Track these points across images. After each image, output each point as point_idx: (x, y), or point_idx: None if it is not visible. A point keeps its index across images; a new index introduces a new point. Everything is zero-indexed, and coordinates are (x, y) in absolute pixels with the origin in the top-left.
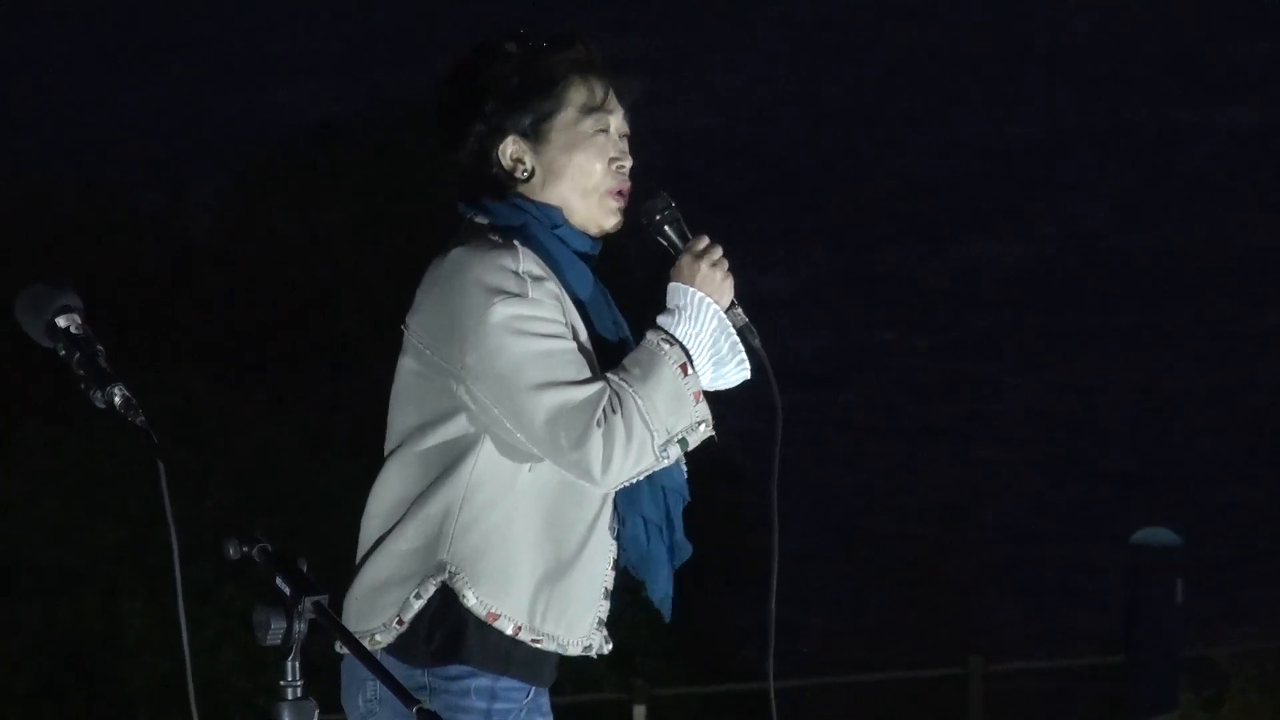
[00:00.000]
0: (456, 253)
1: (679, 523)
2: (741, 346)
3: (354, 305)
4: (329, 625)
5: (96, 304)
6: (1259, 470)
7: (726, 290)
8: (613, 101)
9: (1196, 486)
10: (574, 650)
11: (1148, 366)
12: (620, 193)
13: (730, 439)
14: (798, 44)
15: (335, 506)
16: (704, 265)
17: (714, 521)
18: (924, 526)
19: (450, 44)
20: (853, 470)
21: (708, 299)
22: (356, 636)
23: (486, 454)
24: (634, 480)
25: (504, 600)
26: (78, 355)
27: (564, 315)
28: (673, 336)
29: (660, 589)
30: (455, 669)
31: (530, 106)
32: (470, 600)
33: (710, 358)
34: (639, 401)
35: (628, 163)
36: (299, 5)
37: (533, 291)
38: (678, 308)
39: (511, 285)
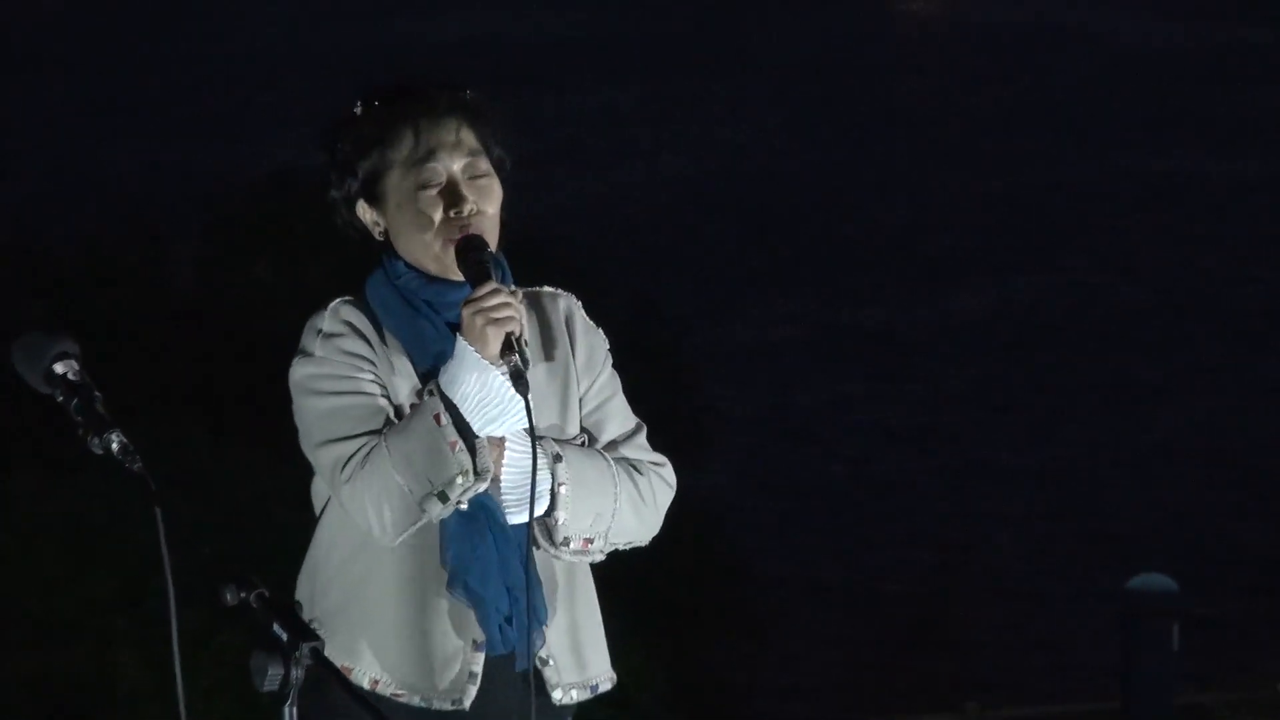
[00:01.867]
0: None
1: (500, 584)
2: (500, 393)
3: None
4: (326, 671)
5: (89, 353)
6: (1255, 519)
7: (490, 338)
8: (444, 148)
9: (1192, 535)
10: (441, 704)
11: (1139, 417)
12: (465, 238)
13: (723, 491)
14: (787, 94)
15: None
16: (466, 313)
17: (707, 573)
18: (918, 574)
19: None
20: (842, 520)
21: (469, 348)
22: None
23: (339, 514)
24: (406, 534)
25: (356, 654)
26: (75, 401)
27: (362, 369)
28: (436, 386)
29: (493, 648)
30: None
31: (360, 170)
32: (325, 653)
33: (470, 405)
34: (389, 454)
35: (466, 207)
36: (277, 59)
37: (320, 349)
38: (452, 356)
39: (307, 344)
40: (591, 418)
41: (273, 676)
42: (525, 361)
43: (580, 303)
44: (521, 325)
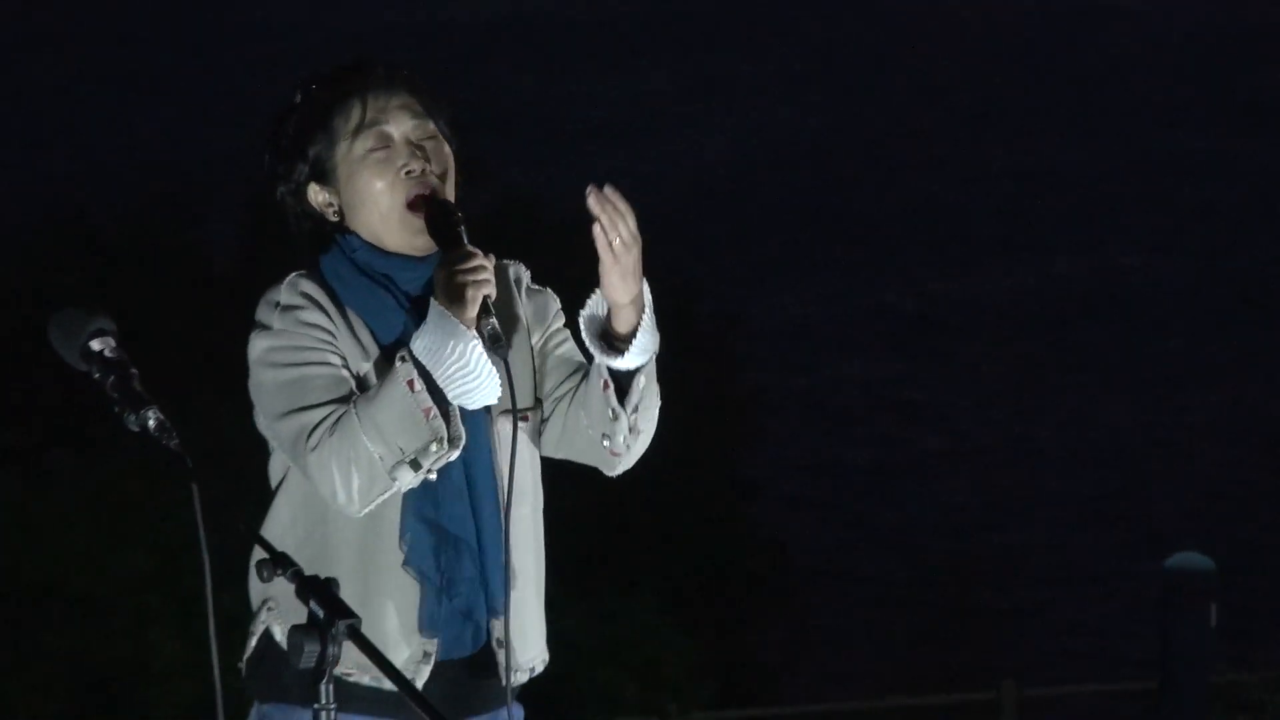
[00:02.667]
0: None
1: (448, 564)
2: (477, 358)
3: None
4: (363, 649)
5: (127, 329)
6: None
7: (468, 300)
8: (389, 112)
9: (1231, 513)
10: (392, 684)
11: (1177, 398)
12: (421, 198)
13: (761, 472)
14: (822, 74)
15: None
16: (442, 277)
17: (744, 553)
18: (957, 552)
19: (467, 72)
20: (878, 501)
21: (446, 311)
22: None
23: (297, 489)
24: (374, 504)
25: None
26: (112, 378)
27: (323, 340)
28: (409, 352)
29: (433, 629)
30: (287, 708)
31: (308, 153)
32: (278, 635)
33: (447, 371)
34: (360, 421)
35: (417, 165)
36: (319, 36)
37: (279, 322)
38: (425, 322)
39: (265, 318)
40: (553, 356)
41: (309, 654)
42: (499, 325)
43: (528, 270)
44: (494, 289)
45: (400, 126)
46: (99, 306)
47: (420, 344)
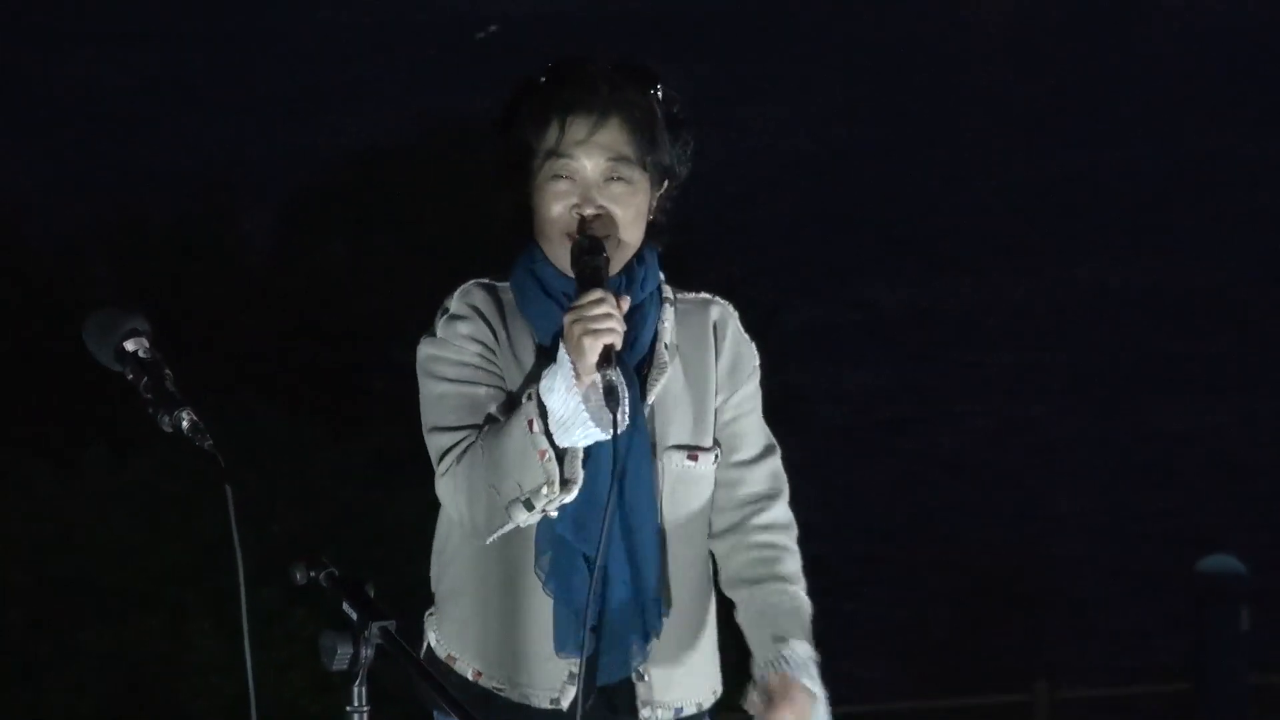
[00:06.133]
0: None
1: (582, 587)
2: (575, 409)
3: (416, 330)
4: (395, 651)
5: (163, 327)
6: None
7: (586, 349)
8: (582, 143)
9: (1263, 516)
10: (540, 702)
11: (1211, 399)
12: (585, 238)
13: (794, 471)
14: (855, 74)
15: (404, 534)
16: (566, 321)
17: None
18: (988, 554)
19: (496, 72)
20: (915, 500)
21: (566, 356)
22: None
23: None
24: (497, 535)
25: (459, 643)
26: (146, 379)
27: (479, 356)
28: (536, 391)
29: (568, 650)
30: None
31: (511, 145)
32: (432, 640)
33: (556, 419)
34: (483, 454)
35: (588, 209)
36: (348, 35)
37: (442, 331)
38: (554, 362)
39: (435, 323)
40: (727, 430)
41: (341, 656)
42: (620, 377)
43: (736, 313)
44: (620, 338)
45: (591, 162)
46: (134, 306)
47: (544, 384)
